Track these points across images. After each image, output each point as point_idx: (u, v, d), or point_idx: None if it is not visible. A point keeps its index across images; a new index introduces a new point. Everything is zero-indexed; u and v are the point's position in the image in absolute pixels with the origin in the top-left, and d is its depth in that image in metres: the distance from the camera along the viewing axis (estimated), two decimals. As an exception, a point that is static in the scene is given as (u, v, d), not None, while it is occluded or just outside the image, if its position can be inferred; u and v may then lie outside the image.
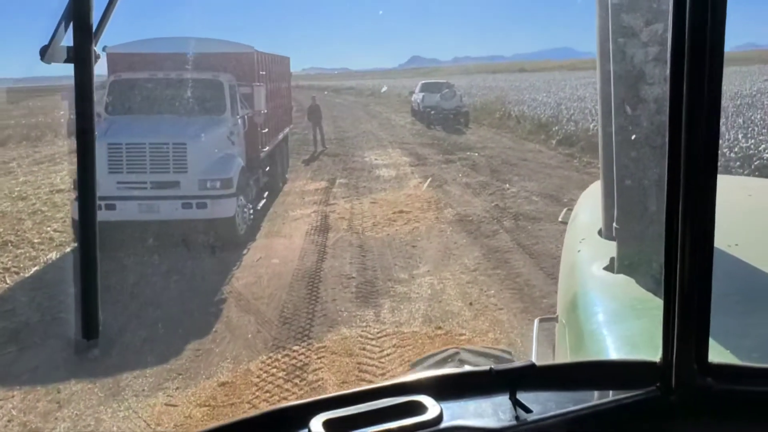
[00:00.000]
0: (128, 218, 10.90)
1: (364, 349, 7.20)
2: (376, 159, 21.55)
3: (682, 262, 1.12)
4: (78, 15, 1.24)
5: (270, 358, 7.10)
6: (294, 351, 7.23)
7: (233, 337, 7.74)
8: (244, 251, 11.31)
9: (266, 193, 13.98)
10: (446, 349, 5.26)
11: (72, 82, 1.27)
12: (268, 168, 14.10)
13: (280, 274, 10.00)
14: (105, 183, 10.72)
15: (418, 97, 34.21)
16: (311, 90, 70.64)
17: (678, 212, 1.11)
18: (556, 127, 23.54)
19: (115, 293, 8.98)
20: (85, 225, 1.34)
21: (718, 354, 1.33)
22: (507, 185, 16.19)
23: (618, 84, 2.15)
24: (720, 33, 1.06)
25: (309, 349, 7.26)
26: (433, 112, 31.21)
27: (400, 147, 24.44)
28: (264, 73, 13.73)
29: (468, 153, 21.82)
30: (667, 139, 1.11)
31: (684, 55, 1.06)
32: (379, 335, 7.59)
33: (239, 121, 12.58)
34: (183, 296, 9.18)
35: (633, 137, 2.14)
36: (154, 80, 11.94)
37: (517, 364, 1.21)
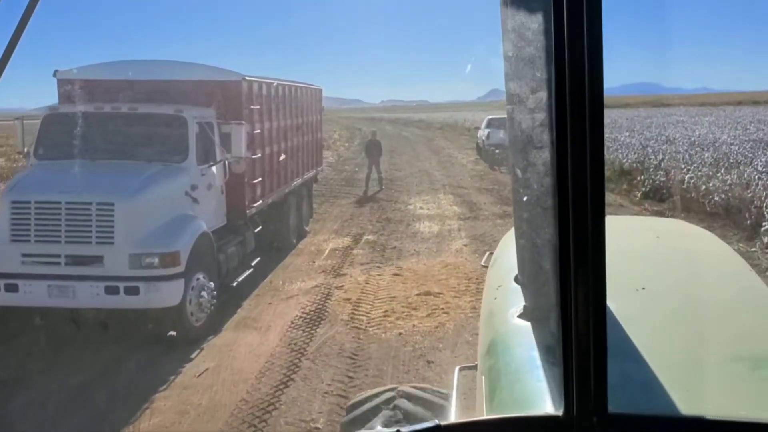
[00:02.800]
0: (35, 304, 7.78)
1: None
2: (421, 207, 17.93)
3: (576, 317, 1.14)
4: None
5: None
6: None
7: None
8: (193, 354, 7.93)
9: (257, 260, 10.60)
10: (384, 390, 4.82)
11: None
12: (259, 228, 10.72)
13: (215, 409, 6.52)
14: (6, 254, 7.64)
15: (483, 133, 30.47)
16: (382, 123, 67.88)
17: (570, 270, 1.14)
18: (642, 176, 19.22)
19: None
20: None
21: (619, 403, 1.27)
22: (576, 256, 12.22)
23: (510, 148, 2.21)
24: (599, 100, 1.11)
25: None
26: (497, 151, 27.33)
27: (453, 192, 20.75)
28: (258, 107, 10.45)
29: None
30: (557, 201, 1.15)
31: (566, 122, 1.12)
32: None
33: (213, 169, 9.30)
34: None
35: (525, 199, 2.10)
36: (100, 115, 8.85)
37: (423, 425, 1.21)
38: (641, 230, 3.50)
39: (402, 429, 1.18)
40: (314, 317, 9.14)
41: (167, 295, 7.83)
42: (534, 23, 1.81)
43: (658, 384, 1.74)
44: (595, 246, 1.12)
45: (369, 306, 9.60)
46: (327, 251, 13.04)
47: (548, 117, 1.70)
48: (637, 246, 2.95)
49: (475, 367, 3.02)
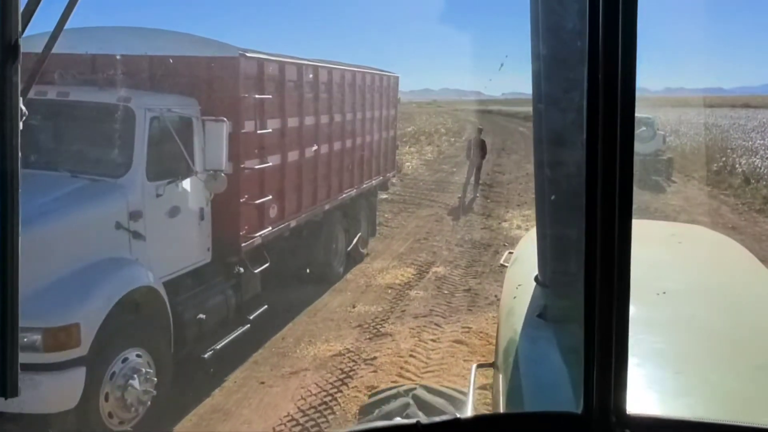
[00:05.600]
0: None
1: None
2: (518, 226, 14.05)
3: (600, 318, 1.12)
4: (3, 75, 1.29)
5: None
6: None
7: None
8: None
9: (260, 311, 7.38)
10: (402, 385, 4.82)
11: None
12: (266, 265, 7.47)
13: None
14: None
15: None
16: (498, 117, 62.62)
17: (596, 270, 1.12)
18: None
19: None
20: (4, 280, 1.36)
21: (637, 405, 1.26)
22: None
23: (539, 147, 2.12)
24: (630, 102, 1.10)
25: None
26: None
27: (563, 207, 16.60)
28: (269, 96, 7.19)
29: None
30: (584, 201, 1.13)
31: (598, 123, 1.10)
32: None
33: (183, 186, 6.17)
34: None
35: (552, 198, 2.05)
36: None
37: (443, 418, 1.20)
38: (663, 235, 3.39)
39: (422, 421, 1.16)
40: (310, 422, 5.81)
41: (53, 394, 4.77)
42: (570, 24, 1.87)
43: (676, 387, 1.77)
44: (621, 248, 1.11)
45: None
46: (378, 289, 9.66)
47: (579, 117, 1.65)
48: (659, 250, 2.76)
49: (492, 365, 3.16)
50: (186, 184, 6.22)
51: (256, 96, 6.95)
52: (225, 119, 6.00)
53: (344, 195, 9.99)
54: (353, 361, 7.11)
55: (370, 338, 7.76)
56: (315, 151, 9.06)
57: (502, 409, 2.10)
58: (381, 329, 8.04)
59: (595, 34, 1.08)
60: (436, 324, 8.23)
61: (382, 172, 12.00)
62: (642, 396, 1.50)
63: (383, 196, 15.52)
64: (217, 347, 6.48)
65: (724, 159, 22.81)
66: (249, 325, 7.13)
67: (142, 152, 5.72)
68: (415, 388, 4.56)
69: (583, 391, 1.15)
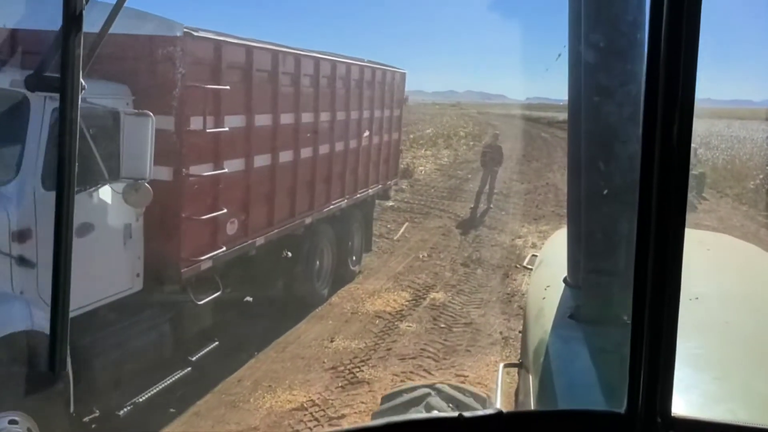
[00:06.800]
0: None
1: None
2: (533, 244, 12.47)
3: (650, 317, 1.10)
4: (66, 46, 1.29)
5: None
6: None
7: None
8: None
9: (207, 350, 6.00)
10: (419, 386, 4.70)
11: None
12: (218, 293, 6.08)
13: None
14: None
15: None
16: (521, 121, 60.55)
17: (647, 268, 1.10)
18: None
19: None
20: (58, 257, 1.42)
21: (680, 407, 1.24)
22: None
23: (591, 141, 2.08)
24: (690, 98, 1.06)
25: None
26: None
27: (585, 223, 15.00)
28: (227, 88, 5.78)
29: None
30: (638, 197, 1.09)
31: (657, 118, 1.06)
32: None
33: (99, 196, 4.81)
34: None
35: (605, 192, 2.01)
36: None
37: (485, 411, 1.17)
38: (690, 242, 2.05)
39: (464, 414, 1.13)
40: None
41: None
42: (629, 15, 1.86)
43: (716, 392, 1.75)
44: (674, 247, 1.08)
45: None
46: (364, 318, 8.22)
47: (636, 111, 1.72)
48: (688, 256, 2.01)
49: (518, 365, 3.06)
50: (104, 193, 4.85)
51: (209, 86, 5.55)
52: (150, 113, 4.60)
53: (332, 206, 8.57)
54: (316, 419, 5.69)
55: (342, 386, 6.33)
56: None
57: (532, 407, 2.10)
58: (358, 374, 6.60)
59: (658, 26, 1.05)
60: (425, 369, 6.78)
61: (382, 180, 10.55)
62: (683, 400, 1.43)
63: (389, 203, 14.16)
64: (140, 400, 5.10)
65: (761, 176, 20.94)
66: (191, 368, 5.75)
67: (37, 152, 4.35)
68: (429, 393, 4.43)
69: (628, 390, 1.12)
